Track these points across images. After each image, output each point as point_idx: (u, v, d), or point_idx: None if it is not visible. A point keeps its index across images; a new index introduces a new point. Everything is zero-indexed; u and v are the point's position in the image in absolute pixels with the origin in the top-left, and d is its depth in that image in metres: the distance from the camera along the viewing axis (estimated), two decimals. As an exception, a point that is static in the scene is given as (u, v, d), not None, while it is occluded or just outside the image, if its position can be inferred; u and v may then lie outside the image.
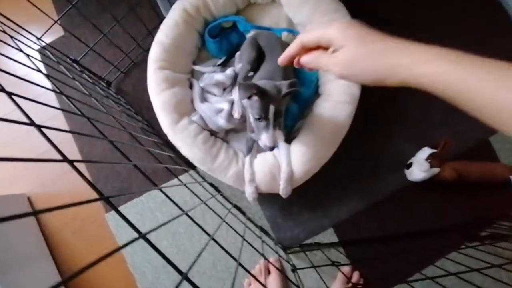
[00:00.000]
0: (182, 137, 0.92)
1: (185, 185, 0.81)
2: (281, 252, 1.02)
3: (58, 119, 1.15)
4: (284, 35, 1.03)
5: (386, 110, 1.12)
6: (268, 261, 0.67)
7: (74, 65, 0.93)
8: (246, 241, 0.61)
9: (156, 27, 0.99)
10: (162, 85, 0.92)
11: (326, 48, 0.49)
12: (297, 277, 0.82)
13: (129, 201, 1.10)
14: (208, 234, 0.47)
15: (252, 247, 0.60)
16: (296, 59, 0.57)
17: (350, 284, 1.02)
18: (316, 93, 1.02)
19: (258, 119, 0.79)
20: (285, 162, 0.91)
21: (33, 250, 1.06)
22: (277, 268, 0.78)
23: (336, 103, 0.94)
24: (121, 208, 1.09)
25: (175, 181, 1.09)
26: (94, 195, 1.06)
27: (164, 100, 0.92)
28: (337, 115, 0.93)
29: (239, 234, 0.61)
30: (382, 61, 0.43)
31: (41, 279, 1.03)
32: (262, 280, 1.03)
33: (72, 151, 1.13)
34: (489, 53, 0.37)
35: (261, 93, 0.76)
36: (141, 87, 1.12)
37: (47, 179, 1.15)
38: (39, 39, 0.80)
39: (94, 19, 1.13)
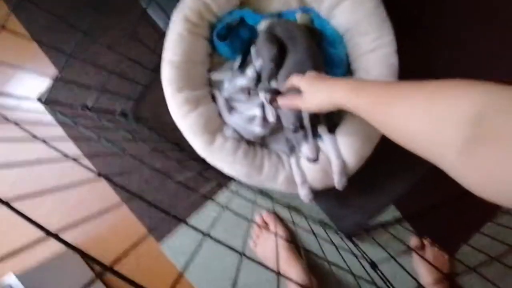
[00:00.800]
0: (221, 157, 0.86)
1: (226, 207, 0.77)
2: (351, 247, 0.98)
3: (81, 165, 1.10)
4: (299, 17, 0.93)
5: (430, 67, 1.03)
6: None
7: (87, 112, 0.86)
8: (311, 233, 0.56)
9: (157, 42, 0.91)
10: (184, 108, 0.85)
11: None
12: (381, 273, 0.78)
13: (178, 227, 1.07)
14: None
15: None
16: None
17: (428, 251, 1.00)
18: (348, 72, 0.93)
19: (294, 130, 0.72)
20: (334, 154, 0.85)
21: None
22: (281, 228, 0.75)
23: (375, 78, 0.85)
24: (174, 235, 1.06)
25: (220, 197, 1.04)
26: (140, 231, 1.03)
27: (192, 124, 0.85)
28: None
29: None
30: (319, 96, 0.60)
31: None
32: (264, 234, 1.02)
33: (107, 191, 1.09)
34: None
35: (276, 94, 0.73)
36: (159, 109, 1.06)
37: (88, 224, 1.11)
38: (41, 101, 0.73)
39: (90, 59, 1.06)
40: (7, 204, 0.30)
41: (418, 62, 1.03)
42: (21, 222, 0.30)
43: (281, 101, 0.72)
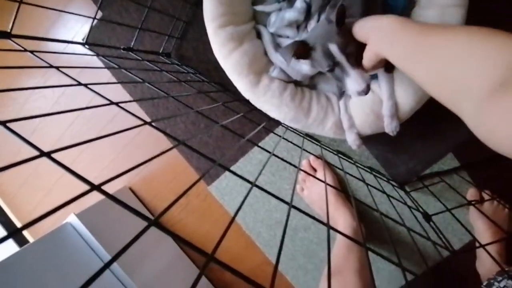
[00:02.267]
0: (266, 99, 0.81)
1: (283, 138, 0.74)
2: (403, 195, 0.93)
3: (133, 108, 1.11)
4: None
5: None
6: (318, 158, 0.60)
7: (130, 53, 0.83)
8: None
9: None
10: (228, 45, 0.79)
11: None
12: (434, 225, 0.73)
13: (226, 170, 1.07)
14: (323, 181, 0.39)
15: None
16: None
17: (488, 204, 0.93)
18: (411, 2, 0.81)
19: (329, 70, 0.64)
20: (387, 94, 0.76)
21: (152, 236, 1.12)
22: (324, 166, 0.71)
23: (443, 9, 0.73)
24: (221, 179, 1.07)
25: (266, 140, 1.02)
26: (188, 171, 1.06)
27: (236, 63, 0.79)
28: (447, 23, 0.73)
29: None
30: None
31: (168, 259, 1.11)
32: (311, 180, 1.01)
33: (156, 134, 1.10)
34: None
35: (304, 46, 0.64)
36: (202, 47, 1.01)
37: (142, 166, 1.16)
38: (85, 44, 0.70)
39: (125, 10, 1.03)
40: (48, 155, 0.28)
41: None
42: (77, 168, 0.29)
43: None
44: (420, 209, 0.77)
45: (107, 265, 0.22)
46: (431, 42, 0.41)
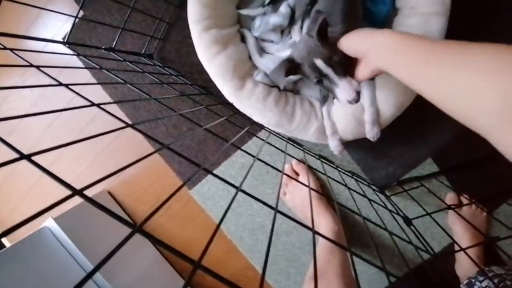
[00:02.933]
0: (250, 104, 0.81)
1: (266, 142, 0.74)
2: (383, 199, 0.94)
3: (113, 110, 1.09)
4: None
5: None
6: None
7: (112, 53, 0.81)
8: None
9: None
10: (212, 49, 0.79)
11: None
12: (414, 229, 0.75)
13: (208, 174, 1.06)
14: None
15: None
16: None
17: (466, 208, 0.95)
18: (393, 9, 0.82)
19: (318, 82, 0.65)
20: (368, 101, 0.77)
21: (131, 241, 1.09)
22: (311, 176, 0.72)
23: (425, 17, 0.74)
24: (203, 182, 1.06)
25: (249, 143, 1.02)
26: (169, 174, 1.04)
27: (220, 66, 0.79)
28: (428, 31, 0.74)
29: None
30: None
31: (148, 263, 1.09)
32: (294, 182, 1.01)
33: (137, 137, 1.08)
34: None
35: (292, 64, 0.66)
36: (185, 49, 1.00)
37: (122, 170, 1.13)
38: (65, 43, 0.68)
39: (107, 11, 1.02)
40: (28, 158, 0.27)
41: None
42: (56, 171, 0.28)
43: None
44: (401, 213, 0.78)
45: (89, 275, 0.21)
46: (447, 64, 0.40)
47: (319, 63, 0.62)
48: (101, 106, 0.43)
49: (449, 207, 0.75)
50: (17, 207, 1.28)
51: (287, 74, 0.66)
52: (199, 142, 1.04)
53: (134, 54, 0.93)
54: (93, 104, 0.41)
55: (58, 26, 1.11)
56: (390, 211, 0.74)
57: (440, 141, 0.93)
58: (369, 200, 0.73)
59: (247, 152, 0.58)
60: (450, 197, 0.97)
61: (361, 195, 0.74)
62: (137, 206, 1.15)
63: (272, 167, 0.58)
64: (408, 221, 0.75)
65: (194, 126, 1.02)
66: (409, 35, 0.49)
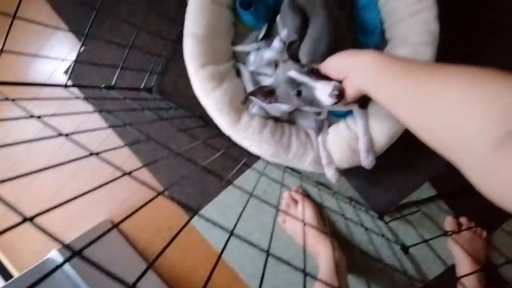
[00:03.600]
0: (247, 136, 0.83)
1: (263, 174, 0.75)
2: (381, 225, 0.95)
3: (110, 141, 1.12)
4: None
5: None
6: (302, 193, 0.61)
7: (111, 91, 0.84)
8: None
9: (178, 12, 0.86)
10: (209, 84, 0.81)
11: None
12: (412, 255, 0.75)
13: (209, 202, 1.07)
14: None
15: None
16: None
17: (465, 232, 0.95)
18: (383, 40, 0.85)
19: (298, 94, 0.64)
20: (362, 130, 0.79)
21: (133, 268, 1.09)
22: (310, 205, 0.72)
23: (414, 47, 0.77)
24: (202, 212, 1.07)
25: (247, 173, 1.03)
26: (170, 204, 1.04)
27: (217, 101, 0.81)
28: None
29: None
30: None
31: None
32: (293, 212, 1.00)
33: (137, 166, 1.10)
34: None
35: (264, 88, 0.70)
36: (183, 82, 1.03)
37: (123, 199, 1.15)
38: (66, 86, 0.71)
39: (108, 34, 1.05)
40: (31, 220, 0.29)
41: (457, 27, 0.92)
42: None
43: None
44: (398, 242, 0.78)
45: None
46: (423, 87, 0.38)
47: (292, 73, 0.64)
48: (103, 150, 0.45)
49: (445, 234, 0.76)
50: None
51: (263, 97, 0.71)
52: (198, 173, 1.06)
53: (133, 89, 0.96)
54: (91, 154, 0.43)
55: (59, 60, 1.14)
56: (388, 239, 0.75)
57: (436, 166, 0.94)
58: (366, 229, 0.74)
59: (243, 189, 0.59)
60: (448, 221, 0.97)
61: (359, 224, 0.75)
62: (139, 235, 1.16)
63: (269, 203, 0.59)
64: (405, 249, 0.75)
65: (194, 156, 1.04)
66: (390, 57, 0.48)
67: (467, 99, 0.33)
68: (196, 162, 0.62)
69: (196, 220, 1.09)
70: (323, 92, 0.60)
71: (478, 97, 0.32)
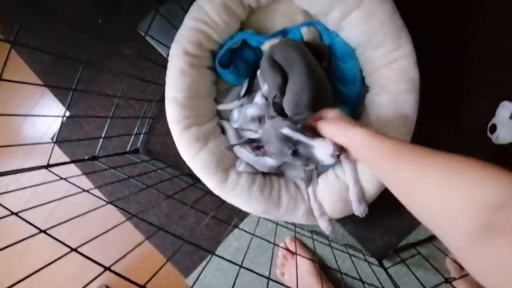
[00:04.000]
0: (235, 195, 0.82)
1: (254, 235, 0.74)
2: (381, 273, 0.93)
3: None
4: (305, 32, 0.86)
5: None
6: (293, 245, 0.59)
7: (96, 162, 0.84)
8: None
9: (161, 74, 0.87)
10: (194, 146, 0.81)
11: None
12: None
13: (204, 260, 1.04)
14: None
15: None
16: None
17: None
18: (364, 87, 0.86)
19: (294, 154, 0.61)
20: (352, 180, 0.78)
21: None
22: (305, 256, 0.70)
23: (395, 95, 0.77)
24: (199, 269, 1.04)
25: (241, 226, 1.01)
26: (166, 264, 0.99)
27: (203, 162, 0.81)
28: (401, 108, 0.77)
29: None
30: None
31: None
32: (290, 264, 0.98)
33: (129, 229, 1.08)
34: None
35: (254, 142, 0.67)
36: (170, 141, 1.01)
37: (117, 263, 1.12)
38: (47, 167, 0.70)
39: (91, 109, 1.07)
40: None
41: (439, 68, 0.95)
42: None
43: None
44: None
45: None
46: (405, 175, 0.40)
47: (287, 131, 0.60)
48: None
49: (446, 281, 0.74)
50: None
51: (253, 150, 0.67)
52: (191, 230, 1.04)
53: (119, 154, 0.95)
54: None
55: (47, 125, 1.15)
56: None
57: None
58: (363, 283, 0.72)
59: (232, 262, 0.58)
60: (449, 260, 0.95)
61: (356, 278, 0.73)
62: (134, 298, 1.12)
63: (265, 247, 0.57)
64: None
65: (185, 214, 1.03)
66: (377, 136, 0.49)
67: (444, 190, 0.34)
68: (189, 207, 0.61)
69: (191, 280, 1.05)
70: (323, 151, 0.58)
71: (454, 189, 0.33)
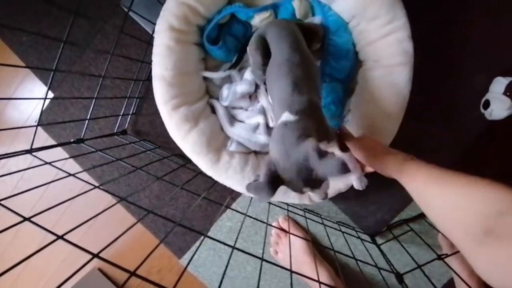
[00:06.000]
0: (228, 176, 0.80)
1: (246, 215, 0.73)
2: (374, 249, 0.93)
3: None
4: (296, 5, 0.82)
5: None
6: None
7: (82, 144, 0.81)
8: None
9: (147, 51, 0.84)
10: (184, 127, 0.78)
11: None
12: (404, 285, 0.74)
13: (197, 240, 1.04)
14: None
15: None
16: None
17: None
18: (357, 61, 0.84)
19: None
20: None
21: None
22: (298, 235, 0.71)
23: (389, 69, 0.76)
24: (192, 249, 1.04)
25: (234, 205, 1.00)
26: (159, 246, 1.00)
27: (194, 143, 0.78)
28: (394, 82, 0.75)
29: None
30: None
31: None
32: (283, 242, 0.99)
33: (121, 212, 1.06)
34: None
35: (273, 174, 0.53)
36: (158, 121, 1.00)
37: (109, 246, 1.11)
38: (31, 151, 0.67)
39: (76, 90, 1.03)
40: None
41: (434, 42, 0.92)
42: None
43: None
44: (392, 269, 0.77)
45: None
46: (427, 192, 0.47)
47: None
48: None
49: (439, 257, 0.74)
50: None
51: (274, 189, 0.52)
52: (183, 210, 1.03)
53: (106, 136, 0.92)
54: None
55: (30, 108, 1.11)
56: (380, 268, 0.73)
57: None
58: (357, 260, 0.72)
59: (225, 244, 0.57)
60: (441, 236, 0.96)
61: (350, 257, 0.73)
62: (129, 281, 1.12)
63: (258, 225, 0.56)
64: (399, 277, 0.74)
65: (177, 195, 1.01)
66: (408, 160, 0.55)
67: (457, 206, 0.40)
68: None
69: (185, 261, 1.05)
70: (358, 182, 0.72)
71: (466, 205, 0.39)
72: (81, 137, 0.82)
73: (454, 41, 0.92)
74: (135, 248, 1.09)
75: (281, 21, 0.75)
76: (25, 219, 0.46)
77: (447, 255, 0.75)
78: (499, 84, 0.86)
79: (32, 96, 1.10)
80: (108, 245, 0.50)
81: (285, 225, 0.99)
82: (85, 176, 1.06)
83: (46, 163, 0.63)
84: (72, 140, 0.79)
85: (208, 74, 0.86)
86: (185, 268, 0.54)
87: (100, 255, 0.45)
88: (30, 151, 0.66)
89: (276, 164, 0.53)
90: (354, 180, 0.77)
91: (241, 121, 0.86)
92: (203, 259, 1.04)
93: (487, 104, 0.87)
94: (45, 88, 1.07)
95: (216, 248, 1.04)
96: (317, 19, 0.82)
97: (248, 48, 0.81)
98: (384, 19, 0.74)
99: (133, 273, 0.41)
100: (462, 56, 0.92)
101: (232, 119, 0.85)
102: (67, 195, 1.10)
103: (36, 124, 0.70)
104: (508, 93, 0.83)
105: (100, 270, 1.12)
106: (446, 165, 0.46)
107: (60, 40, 0.67)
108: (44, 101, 0.73)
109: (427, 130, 0.93)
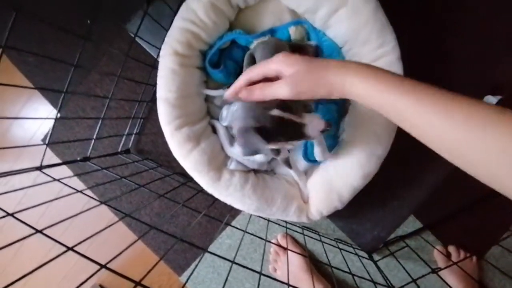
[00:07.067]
0: (229, 193, 0.83)
1: (245, 231, 0.75)
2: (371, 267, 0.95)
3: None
4: (292, 31, 0.87)
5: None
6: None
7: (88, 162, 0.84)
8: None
9: (151, 74, 0.87)
10: (186, 146, 0.82)
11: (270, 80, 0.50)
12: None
13: (197, 257, 1.05)
14: None
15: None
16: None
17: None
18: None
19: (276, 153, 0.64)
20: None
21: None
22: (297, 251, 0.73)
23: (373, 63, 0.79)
24: (191, 267, 1.05)
25: (233, 223, 1.03)
26: (159, 263, 1.01)
27: (195, 162, 0.82)
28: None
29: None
30: (322, 77, 0.45)
31: None
32: (282, 260, 1.00)
33: (121, 229, 1.08)
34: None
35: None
36: (161, 140, 1.04)
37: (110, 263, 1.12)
38: (41, 168, 0.71)
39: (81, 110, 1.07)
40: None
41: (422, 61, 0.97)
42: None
43: (248, 93, 0.54)
44: (388, 284, 0.78)
45: None
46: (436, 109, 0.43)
47: (277, 112, 0.56)
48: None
49: (433, 271, 0.76)
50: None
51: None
52: (183, 228, 1.05)
53: (111, 155, 0.96)
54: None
55: (36, 126, 1.14)
56: (377, 283, 0.75)
57: (417, 199, 0.95)
58: (353, 276, 0.74)
59: (224, 258, 0.59)
60: (437, 252, 0.98)
61: (347, 272, 0.75)
62: (128, 297, 1.13)
63: (257, 243, 0.58)
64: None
65: (177, 213, 1.04)
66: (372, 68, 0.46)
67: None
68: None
69: (184, 278, 1.06)
70: (315, 128, 0.58)
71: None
72: (87, 155, 0.85)
73: (443, 60, 0.96)
74: (135, 265, 1.10)
75: (270, 39, 0.80)
76: (37, 231, 0.48)
77: (441, 269, 0.78)
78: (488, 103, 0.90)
79: (37, 114, 1.14)
80: (114, 258, 0.52)
81: (283, 242, 1.01)
82: (88, 193, 1.08)
83: (55, 179, 0.66)
84: (78, 159, 0.82)
85: (209, 92, 0.90)
86: (184, 284, 0.55)
87: (101, 272, 0.48)
88: (40, 168, 0.69)
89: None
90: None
91: (240, 141, 0.89)
92: (203, 276, 1.06)
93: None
94: (50, 107, 1.11)
95: (216, 266, 1.05)
96: (312, 44, 0.87)
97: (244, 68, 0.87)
98: (375, 44, 0.78)
99: (138, 283, 0.43)
100: (450, 75, 0.96)
101: (232, 139, 0.88)
102: (68, 212, 1.13)
103: (45, 142, 0.73)
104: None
105: (101, 286, 1.13)
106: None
107: (68, 63, 0.71)
108: (55, 121, 0.76)
109: (419, 151, 0.96)
